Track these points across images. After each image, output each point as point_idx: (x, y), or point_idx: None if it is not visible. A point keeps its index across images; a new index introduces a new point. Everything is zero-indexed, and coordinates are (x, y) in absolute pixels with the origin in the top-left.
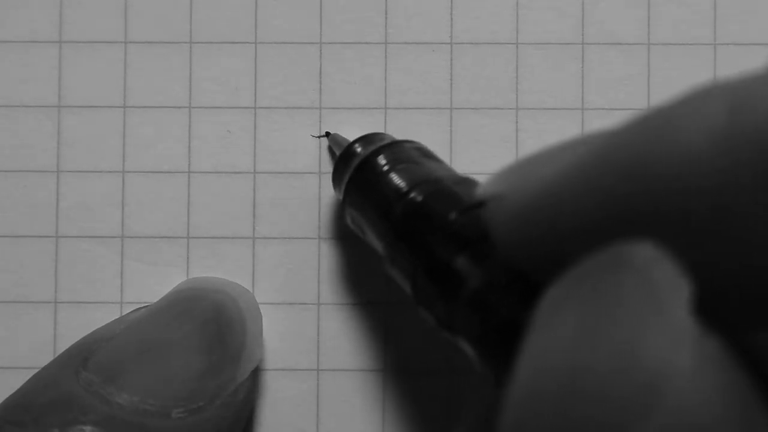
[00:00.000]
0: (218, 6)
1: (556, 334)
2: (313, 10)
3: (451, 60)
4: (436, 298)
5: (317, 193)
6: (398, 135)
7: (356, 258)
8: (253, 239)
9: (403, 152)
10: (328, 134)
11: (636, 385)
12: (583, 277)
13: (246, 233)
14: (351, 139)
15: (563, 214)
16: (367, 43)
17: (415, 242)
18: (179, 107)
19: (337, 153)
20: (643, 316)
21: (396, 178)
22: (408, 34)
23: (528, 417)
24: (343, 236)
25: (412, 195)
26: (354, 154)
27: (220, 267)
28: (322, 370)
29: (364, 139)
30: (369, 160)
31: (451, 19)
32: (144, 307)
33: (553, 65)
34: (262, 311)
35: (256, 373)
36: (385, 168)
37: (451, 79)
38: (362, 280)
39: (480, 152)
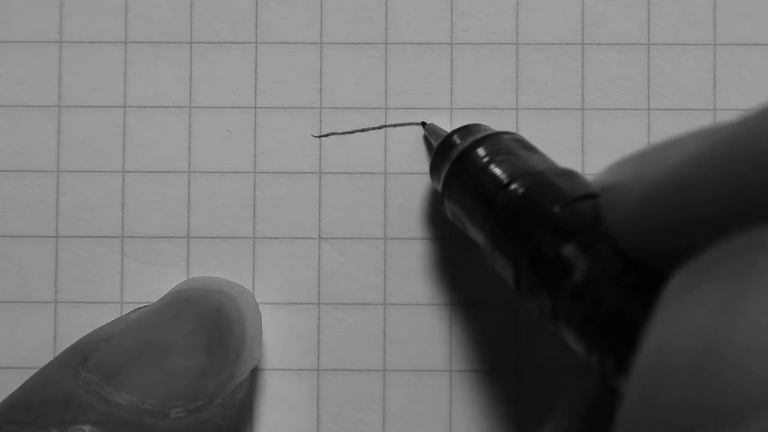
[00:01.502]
0: (218, 6)
1: (689, 317)
2: (313, 10)
3: (451, 60)
4: (540, 290)
5: (317, 193)
6: (399, 136)
7: (356, 258)
8: (253, 239)
9: (503, 143)
10: (424, 124)
11: (765, 368)
12: (716, 258)
13: (246, 233)
14: (448, 131)
15: (691, 201)
16: (367, 43)
17: (519, 234)
18: (179, 107)
19: (434, 144)
20: None
21: (496, 170)
22: (408, 34)
23: (654, 393)
24: (343, 236)
25: (514, 187)
26: (452, 145)
27: (220, 267)
28: (322, 370)
29: (463, 131)
30: (468, 152)
31: (451, 19)
32: (144, 307)
33: (553, 65)
34: (262, 311)
35: (256, 373)
36: (485, 160)
37: (451, 79)
38: (363, 280)
39: None
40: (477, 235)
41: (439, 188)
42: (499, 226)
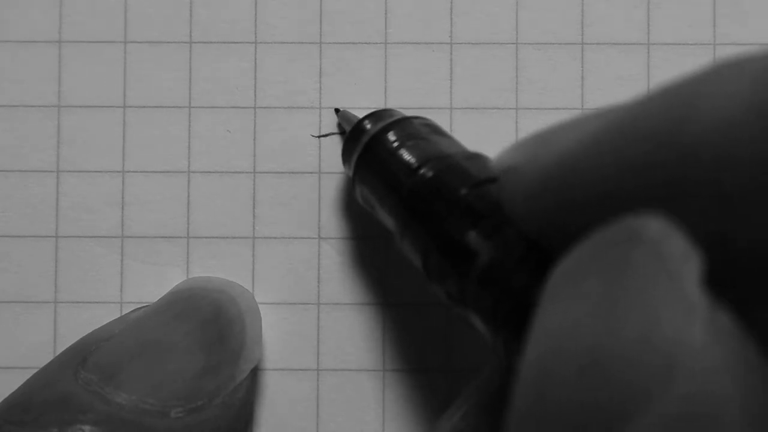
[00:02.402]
0: (218, 6)
1: (568, 312)
2: (313, 10)
3: (451, 60)
4: (448, 274)
5: (317, 193)
6: None
7: (357, 258)
8: (253, 239)
9: (413, 128)
10: (337, 111)
11: (653, 360)
12: (594, 251)
13: (246, 233)
14: (360, 116)
15: (583, 183)
16: (367, 43)
17: (427, 218)
18: (179, 107)
19: (347, 130)
20: (656, 290)
21: (406, 154)
22: (408, 34)
23: (543, 394)
24: (346, 235)
25: (423, 171)
26: (363, 130)
27: (220, 267)
28: (322, 370)
29: (374, 116)
30: (379, 137)
31: (451, 19)
32: (144, 307)
33: (553, 65)
34: (262, 311)
35: (256, 373)
36: (395, 144)
37: (451, 79)
38: (362, 280)
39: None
40: (387, 220)
41: (350, 174)
42: (407, 211)
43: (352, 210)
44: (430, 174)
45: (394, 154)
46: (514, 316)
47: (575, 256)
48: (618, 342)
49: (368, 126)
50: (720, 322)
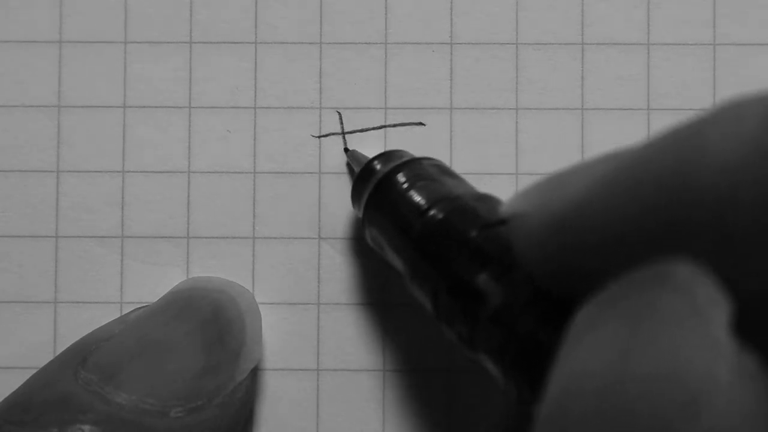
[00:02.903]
0: (218, 6)
1: (595, 348)
2: (313, 10)
3: (451, 60)
4: (458, 315)
5: (317, 193)
6: (399, 136)
7: (357, 258)
8: (253, 239)
9: (423, 169)
10: (347, 150)
11: (678, 399)
12: (622, 293)
13: (246, 233)
14: (370, 156)
15: (592, 228)
16: (367, 43)
17: (436, 260)
18: (179, 107)
19: (356, 170)
20: (684, 331)
21: (416, 196)
22: (408, 34)
23: (563, 426)
24: (343, 236)
25: (432, 212)
26: (373, 171)
27: (220, 267)
28: (321, 370)
29: (383, 156)
30: (388, 178)
31: (451, 19)
32: (143, 307)
33: (553, 65)
34: (262, 311)
35: (256, 373)
36: (405, 185)
37: (451, 79)
38: (362, 280)
39: (480, 152)
40: (396, 262)
41: (360, 214)
42: (417, 252)
43: (352, 210)
44: (439, 216)
45: (403, 195)
46: (521, 359)
47: (602, 297)
48: (644, 377)
49: (378, 167)
50: (746, 365)
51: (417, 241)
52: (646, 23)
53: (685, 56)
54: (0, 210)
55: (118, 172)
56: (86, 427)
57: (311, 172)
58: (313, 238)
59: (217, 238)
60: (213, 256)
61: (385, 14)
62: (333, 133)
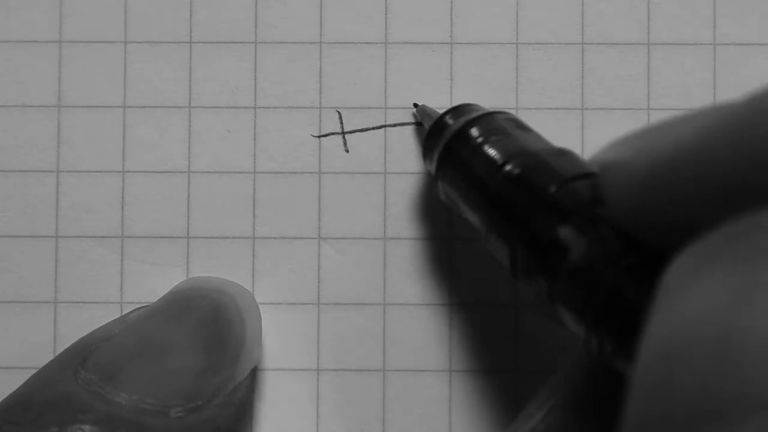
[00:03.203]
0: (218, 6)
1: (699, 300)
2: (313, 10)
3: (451, 60)
4: (538, 272)
5: (317, 193)
6: (399, 136)
7: (356, 258)
8: (253, 239)
9: (497, 123)
10: (416, 105)
11: None
12: (728, 240)
13: (246, 233)
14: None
15: (698, 177)
16: (367, 43)
17: (514, 215)
18: (179, 107)
19: (427, 126)
20: None
21: (491, 151)
22: (408, 34)
23: (668, 392)
24: (343, 236)
25: (509, 168)
26: (445, 126)
27: (220, 267)
28: (321, 370)
29: (456, 111)
30: (462, 133)
31: (451, 19)
32: (143, 306)
33: (553, 65)
34: (262, 311)
35: (256, 373)
36: (479, 140)
37: (451, 79)
38: (362, 280)
39: None
40: (472, 217)
41: (432, 170)
42: (493, 209)
43: (352, 210)
44: (516, 171)
45: (477, 150)
46: (607, 313)
47: (704, 243)
48: (757, 331)
49: (450, 121)
50: None
51: (493, 198)
52: (646, 23)
53: (685, 56)
54: (0, 210)
55: (118, 172)
56: (86, 427)
57: (311, 172)
58: (313, 238)
59: (217, 238)
60: (213, 256)
61: (385, 14)
62: (333, 133)
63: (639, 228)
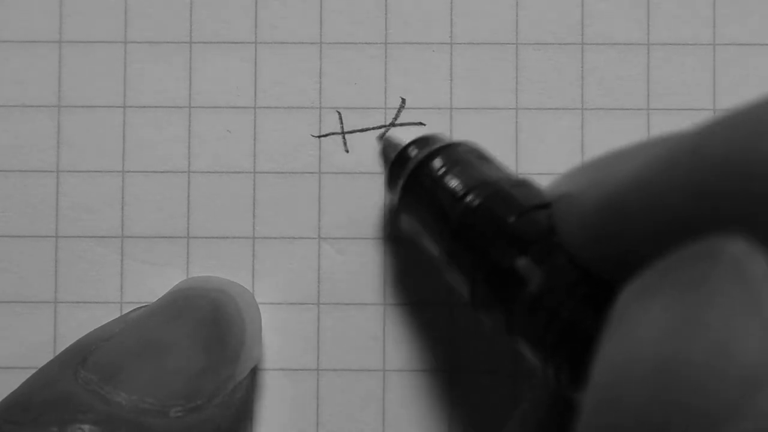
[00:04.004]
0: (218, 6)
1: (645, 326)
2: (313, 10)
3: (451, 60)
4: (496, 302)
5: (317, 193)
6: (399, 136)
7: (356, 258)
8: (253, 239)
9: (459, 154)
10: (381, 136)
11: (732, 379)
12: (671, 269)
13: (246, 233)
14: (405, 141)
15: (646, 209)
16: (367, 43)
17: (474, 246)
18: (179, 107)
19: (391, 156)
20: (739, 309)
21: (452, 181)
22: (408, 34)
23: (614, 408)
24: (343, 236)
25: (469, 198)
26: (408, 157)
27: (220, 267)
28: (322, 370)
29: (419, 142)
30: (424, 163)
31: (451, 19)
32: (143, 306)
33: (553, 65)
34: (261, 311)
35: (256, 373)
36: (441, 171)
37: (451, 79)
38: (362, 280)
39: None
40: (433, 248)
41: (396, 201)
42: (454, 239)
43: (352, 210)
44: (476, 201)
45: (439, 181)
46: (564, 344)
47: (653, 271)
48: (699, 352)
49: (413, 152)
50: None
51: (453, 228)
52: (646, 23)
53: (685, 56)
54: (0, 210)
55: (118, 172)
56: (86, 427)
57: (311, 172)
58: (313, 238)
59: (217, 238)
60: (213, 256)
61: (385, 14)
62: (333, 133)
63: (591, 259)
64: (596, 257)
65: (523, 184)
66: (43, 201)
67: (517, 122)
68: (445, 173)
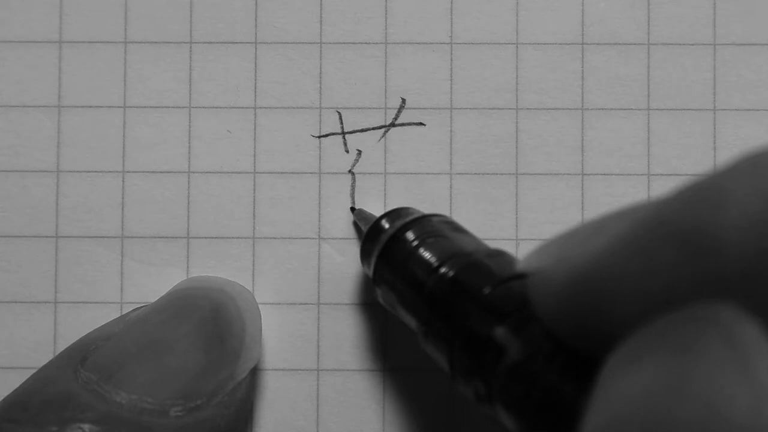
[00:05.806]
0: (218, 6)
1: (634, 386)
2: (313, 10)
3: (451, 60)
4: (474, 372)
5: (317, 193)
6: (399, 136)
7: (356, 258)
8: (253, 239)
9: (432, 226)
10: (353, 209)
11: None
12: (659, 333)
13: (246, 233)
14: (377, 214)
15: (612, 284)
16: (367, 43)
17: (450, 317)
18: (179, 107)
19: (364, 229)
20: (726, 370)
21: (426, 253)
22: (408, 34)
23: None
24: (343, 236)
25: (444, 270)
26: (381, 230)
27: (220, 267)
28: (322, 370)
29: (391, 215)
30: (397, 236)
31: (451, 19)
32: (143, 306)
33: (553, 65)
34: (261, 311)
35: (256, 373)
36: (415, 243)
37: (451, 79)
38: (362, 280)
39: (480, 152)
40: (409, 321)
41: (370, 274)
42: (430, 310)
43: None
44: (451, 273)
45: (413, 253)
46: (544, 412)
47: (637, 337)
48: (688, 411)
49: (386, 225)
50: None
51: (429, 300)
52: (646, 23)
53: (685, 56)
54: (0, 210)
55: (118, 172)
56: (86, 426)
57: (311, 172)
58: (313, 238)
59: (217, 238)
60: (213, 256)
61: (385, 14)
62: (333, 133)
63: (565, 331)
64: (570, 329)
65: (498, 255)
66: (43, 201)
67: (517, 122)
68: (419, 245)
